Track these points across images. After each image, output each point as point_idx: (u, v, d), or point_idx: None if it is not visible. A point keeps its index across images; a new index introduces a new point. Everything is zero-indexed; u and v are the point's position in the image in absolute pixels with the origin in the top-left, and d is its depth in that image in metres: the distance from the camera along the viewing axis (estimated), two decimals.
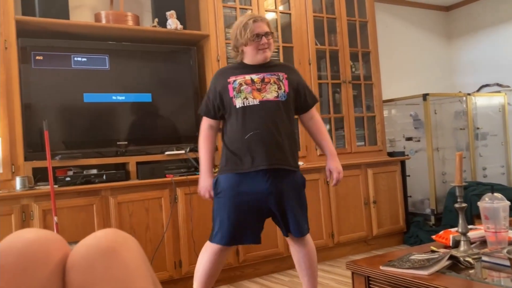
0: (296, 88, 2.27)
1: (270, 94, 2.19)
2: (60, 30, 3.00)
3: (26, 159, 2.74)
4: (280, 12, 3.71)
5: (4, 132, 2.67)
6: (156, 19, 3.27)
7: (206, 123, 2.29)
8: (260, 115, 2.16)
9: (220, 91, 2.21)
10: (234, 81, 2.21)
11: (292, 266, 3.36)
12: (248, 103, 2.17)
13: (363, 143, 4.03)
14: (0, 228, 2.45)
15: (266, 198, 2.15)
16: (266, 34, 2.20)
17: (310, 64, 3.75)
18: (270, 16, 3.68)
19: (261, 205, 2.17)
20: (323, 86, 3.90)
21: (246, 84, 2.20)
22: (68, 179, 2.74)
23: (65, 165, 2.84)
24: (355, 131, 3.95)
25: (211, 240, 2.22)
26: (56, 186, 2.64)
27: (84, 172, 2.85)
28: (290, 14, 3.72)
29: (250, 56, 2.24)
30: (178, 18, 3.29)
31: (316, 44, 3.82)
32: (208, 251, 2.23)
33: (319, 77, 3.83)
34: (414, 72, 5.09)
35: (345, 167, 3.66)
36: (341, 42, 3.93)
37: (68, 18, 2.99)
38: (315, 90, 3.75)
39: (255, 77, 2.21)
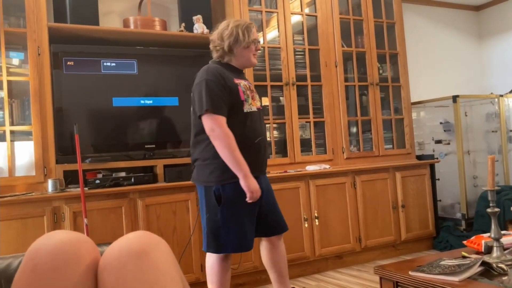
0: None
1: (258, 102, 2.28)
2: (90, 36, 3.08)
3: (57, 162, 2.82)
4: (306, 15, 3.69)
5: (36, 136, 2.75)
6: (183, 24, 3.32)
7: (223, 122, 2.06)
8: (260, 122, 2.24)
9: (232, 90, 2.12)
10: (239, 84, 2.17)
11: (319, 271, 3.34)
12: (251, 109, 2.18)
13: (391, 146, 3.97)
14: (32, 229, 2.52)
15: (260, 200, 2.16)
16: (258, 42, 2.28)
17: (336, 66, 3.72)
18: (296, 18, 3.67)
19: (257, 208, 2.20)
20: (350, 88, 3.87)
21: (248, 89, 2.21)
22: (97, 181, 2.80)
23: (95, 168, 2.91)
24: (383, 134, 3.90)
25: (219, 251, 2.13)
26: (86, 188, 2.70)
27: (113, 175, 2.91)
28: (316, 16, 3.70)
29: (243, 59, 2.22)
30: (204, 22, 3.32)
31: (343, 46, 3.79)
32: (219, 262, 2.16)
33: (346, 80, 3.80)
34: (444, 73, 4.98)
35: (373, 170, 3.63)
36: (368, 43, 3.88)
37: (98, 24, 3.07)
38: (341, 92, 3.72)
39: (244, 83, 2.22)
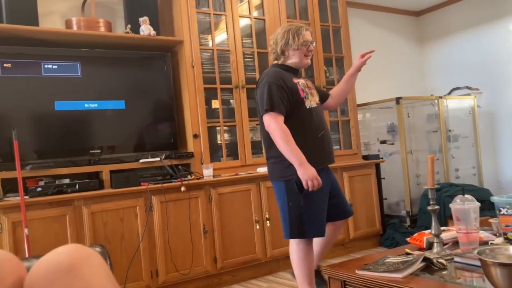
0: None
1: (317, 97, 2.47)
2: (30, 37, 2.93)
3: None
4: (254, 18, 3.71)
5: None
6: (129, 26, 3.24)
7: (279, 118, 2.23)
8: (318, 116, 2.39)
9: (291, 89, 2.30)
10: (298, 82, 2.37)
11: (271, 272, 3.36)
12: (311, 105, 2.37)
13: (338, 147, 4.07)
14: None
15: (329, 188, 2.39)
16: (311, 42, 2.41)
17: None
18: (244, 22, 3.68)
19: (327, 196, 2.39)
20: None
21: (305, 87, 2.39)
22: (39, 189, 2.67)
23: (37, 175, 2.77)
24: (331, 135, 3.97)
25: (304, 236, 2.28)
26: (26, 197, 2.57)
27: (56, 182, 2.79)
28: (264, 20, 3.73)
29: (296, 60, 2.39)
30: (151, 24, 3.26)
31: None
32: (305, 246, 2.31)
33: None
34: (387, 76, 5.17)
35: None
36: (315, 47, 3.96)
37: (37, 25, 2.93)
38: None
39: (302, 81, 2.41)
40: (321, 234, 2.31)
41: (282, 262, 3.44)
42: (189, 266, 2.97)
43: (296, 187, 2.25)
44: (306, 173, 2.18)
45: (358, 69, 2.68)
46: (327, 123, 2.52)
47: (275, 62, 2.45)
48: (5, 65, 2.77)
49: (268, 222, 3.34)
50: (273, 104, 2.23)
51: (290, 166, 2.23)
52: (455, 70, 5.28)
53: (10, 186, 2.69)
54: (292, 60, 2.39)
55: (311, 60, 3.90)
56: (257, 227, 3.30)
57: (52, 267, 0.77)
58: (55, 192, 2.70)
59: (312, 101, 2.38)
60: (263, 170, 3.43)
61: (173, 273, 2.93)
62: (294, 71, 2.42)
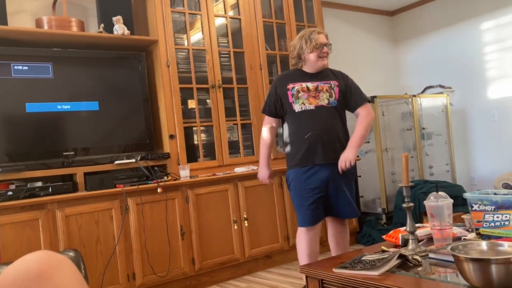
0: (344, 93, 2.60)
1: (323, 101, 2.55)
2: None
3: None
4: (230, 17, 3.70)
5: None
6: (102, 25, 3.18)
7: (267, 121, 2.68)
8: (315, 117, 2.54)
9: (281, 95, 2.59)
10: (293, 88, 2.57)
11: (249, 272, 3.36)
12: (305, 108, 2.54)
13: None
14: None
15: (324, 186, 2.52)
16: (326, 45, 2.57)
17: (261, 69, 3.77)
18: (220, 21, 3.67)
19: (316, 192, 2.52)
20: None
21: (303, 91, 2.56)
22: (10, 193, 2.59)
23: (7, 179, 2.70)
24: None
25: (300, 225, 2.57)
26: None
27: (28, 185, 2.72)
28: (240, 19, 3.72)
29: (311, 63, 2.57)
30: (125, 24, 3.21)
31: (267, 49, 3.85)
32: (300, 233, 2.59)
33: (271, 82, 3.85)
34: (362, 75, 5.22)
35: None
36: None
37: (6, 24, 2.85)
38: (267, 94, 3.76)
39: (310, 85, 2.56)
40: (305, 224, 2.53)
41: (261, 262, 3.44)
42: (166, 268, 2.94)
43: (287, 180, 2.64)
44: (260, 172, 2.72)
45: None
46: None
47: (294, 65, 2.68)
48: None
49: (246, 222, 3.34)
50: (264, 106, 2.70)
51: (288, 162, 2.61)
52: (428, 69, 5.38)
53: None
54: (308, 63, 2.59)
55: (287, 59, 3.93)
56: (235, 227, 3.29)
57: (21, 275, 0.74)
58: (27, 196, 2.63)
59: (306, 103, 2.54)
60: (240, 170, 3.43)
61: (150, 276, 2.89)
62: (309, 74, 2.60)
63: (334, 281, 1.63)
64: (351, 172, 2.61)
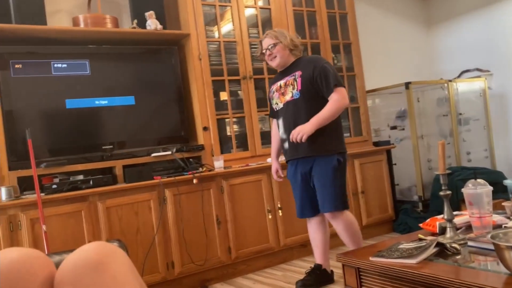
0: (310, 81, 2.54)
1: (288, 95, 2.61)
2: (38, 36, 2.96)
3: (10, 168, 2.71)
4: (260, 8, 3.70)
5: None
6: (135, 21, 3.25)
7: (272, 121, 2.86)
8: (284, 116, 2.63)
9: (269, 98, 2.79)
10: (272, 89, 2.73)
11: (285, 260, 3.39)
12: (278, 107, 2.68)
13: (348, 134, 4.06)
14: None
15: (305, 179, 2.62)
16: (269, 48, 2.63)
17: None
18: (249, 12, 3.67)
19: (302, 184, 2.65)
20: None
21: (276, 90, 2.68)
22: (54, 186, 2.71)
23: (51, 173, 2.82)
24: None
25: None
26: (42, 194, 2.62)
27: (71, 179, 2.83)
28: (269, 9, 3.72)
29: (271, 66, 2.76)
30: (157, 18, 3.27)
31: (297, 38, 3.82)
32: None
33: None
34: (396, 61, 5.13)
35: None
36: (322, 35, 3.94)
37: (45, 23, 2.95)
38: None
39: (282, 82, 2.66)
40: (297, 215, 2.73)
41: (296, 251, 3.47)
42: (203, 257, 3.01)
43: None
44: (272, 167, 2.85)
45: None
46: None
47: None
48: (16, 66, 2.81)
49: (280, 211, 3.36)
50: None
51: None
52: (465, 53, 5.21)
53: (26, 184, 2.74)
54: None
55: (319, 47, 3.91)
56: (270, 216, 3.32)
57: (80, 264, 0.80)
58: (70, 189, 2.74)
59: (279, 102, 2.67)
60: None
61: (188, 264, 2.97)
62: (282, 72, 2.71)
63: (371, 269, 1.64)
64: (325, 163, 2.53)
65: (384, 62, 4.96)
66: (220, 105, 3.50)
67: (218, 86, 3.50)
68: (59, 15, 3.30)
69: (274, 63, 2.67)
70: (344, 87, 2.55)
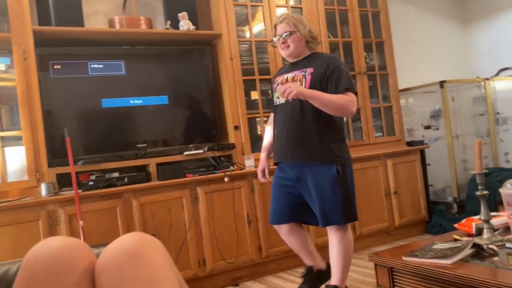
0: (320, 81, 2.28)
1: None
2: (76, 38, 3.06)
3: (49, 165, 2.81)
4: (291, 7, 3.70)
5: (27, 141, 2.74)
6: (169, 21, 3.31)
7: (271, 115, 2.61)
8: (283, 113, 2.38)
9: (272, 90, 2.54)
10: (277, 81, 2.47)
11: None
12: (279, 102, 2.41)
13: (381, 133, 4.01)
14: (28, 234, 2.52)
15: (292, 185, 2.36)
16: (284, 35, 2.36)
17: None
18: (280, 11, 3.68)
19: (288, 190, 2.38)
20: None
21: (282, 83, 2.39)
22: (91, 183, 2.80)
23: (88, 170, 2.91)
24: (373, 122, 3.93)
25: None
26: (80, 190, 2.71)
27: (106, 176, 2.91)
28: (301, 8, 3.71)
29: (282, 55, 2.48)
30: (190, 19, 3.32)
31: (329, 37, 3.81)
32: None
33: None
34: (430, 59, 5.02)
35: (364, 158, 3.67)
36: (354, 33, 3.90)
37: (83, 25, 3.05)
38: None
39: (290, 75, 2.40)
40: (271, 220, 2.44)
41: (326, 251, 3.43)
42: (234, 254, 3.04)
43: None
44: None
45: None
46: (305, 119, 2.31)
47: None
48: (55, 66, 2.91)
49: None
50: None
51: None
52: (503, 50, 5.04)
53: (64, 181, 2.83)
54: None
55: (351, 45, 3.87)
56: None
57: (119, 253, 0.83)
58: (106, 186, 2.82)
59: (280, 98, 2.35)
60: None
61: (219, 262, 3.00)
62: (293, 64, 2.46)
63: (404, 269, 1.62)
64: (322, 173, 2.26)
65: (417, 61, 4.86)
66: (251, 104, 3.51)
67: (249, 86, 3.52)
68: (96, 17, 3.40)
69: (286, 53, 2.40)
70: (357, 93, 2.31)
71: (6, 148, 2.76)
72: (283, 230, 2.46)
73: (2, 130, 2.76)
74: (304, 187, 2.31)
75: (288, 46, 2.37)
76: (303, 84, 2.30)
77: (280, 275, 3.18)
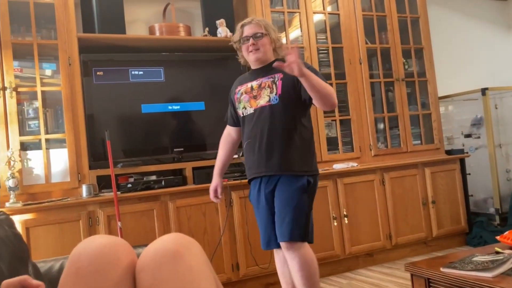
0: (293, 85, 2.12)
1: (263, 99, 2.17)
2: (118, 44, 3.16)
3: (90, 168, 2.91)
4: (329, 13, 3.69)
5: (70, 144, 2.85)
6: (207, 28, 3.37)
7: (226, 130, 2.49)
8: (255, 123, 2.18)
9: (232, 101, 2.37)
10: (239, 91, 2.30)
11: (349, 269, 3.34)
12: (246, 113, 2.23)
13: (419, 141, 3.93)
14: (69, 233, 2.61)
15: (267, 202, 2.19)
16: (254, 36, 2.18)
17: (361, 63, 3.70)
18: (318, 17, 3.68)
19: (265, 209, 2.20)
20: (376, 85, 3.84)
21: (246, 93, 2.25)
22: (129, 185, 2.88)
23: (127, 173, 2.99)
24: (411, 129, 3.85)
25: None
26: (119, 192, 2.78)
27: (144, 179, 2.98)
28: (338, 14, 3.70)
29: (247, 59, 2.28)
30: (227, 26, 3.37)
31: (367, 43, 3.77)
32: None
33: (371, 76, 3.78)
34: (471, 66, 4.88)
35: (401, 166, 3.60)
36: (392, 39, 3.85)
37: (124, 32, 3.15)
38: (367, 89, 3.70)
39: (254, 83, 2.23)
40: (262, 246, 2.26)
41: (361, 259, 3.40)
42: (268, 260, 3.04)
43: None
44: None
45: None
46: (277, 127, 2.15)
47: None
48: (98, 73, 3.02)
49: (346, 219, 3.31)
50: (226, 114, 2.47)
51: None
52: None
53: (104, 183, 2.92)
54: (247, 60, 2.28)
55: (389, 52, 3.82)
56: (335, 223, 3.28)
57: (159, 253, 0.86)
58: (144, 188, 2.89)
59: (248, 107, 2.20)
60: (339, 166, 3.41)
61: (253, 267, 3.01)
62: (256, 71, 2.26)
63: (441, 281, 1.57)
64: (291, 183, 2.11)
65: (458, 67, 4.74)
66: None
67: None
68: (137, 24, 3.50)
69: (254, 56, 2.19)
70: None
71: (50, 150, 2.88)
72: (281, 256, 2.24)
73: (47, 133, 2.88)
74: (275, 199, 2.15)
75: (258, 49, 2.18)
76: (275, 90, 2.14)
77: None
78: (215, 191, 2.38)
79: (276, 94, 2.14)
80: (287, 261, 2.15)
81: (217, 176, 2.40)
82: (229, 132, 2.45)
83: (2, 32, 2.75)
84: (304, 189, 2.11)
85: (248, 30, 2.21)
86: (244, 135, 2.27)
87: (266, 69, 2.22)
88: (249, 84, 2.25)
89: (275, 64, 1.97)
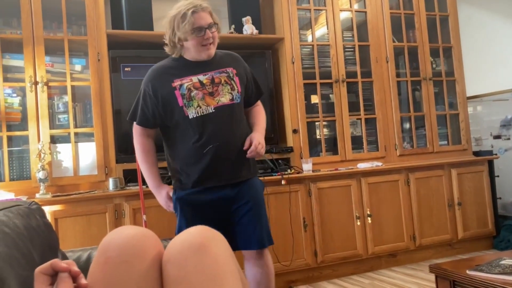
0: (246, 83, 2.02)
1: (224, 97, 1.92)
2: (145, 41, 3.21)
3: (117, 162, 2.96)
4: (356, 11, 3.66)
5: (98, 138, 2.92)
6: (233, 26, 3.38)
7: (140, 133, 2.03)
8: (216, 124, 1.90)
9: (165, 98, 1.91)
10: (181, 86, 1.91)
11: (372, 269, 3.31)
12: (203, 112, 1.89)
13: (446, 142, 3.86)
14: (96, 225, 2.68)
15: (224, 209, 1.98)
16: (209, 27, 1.89)
17: (387, 62, 3.66)
18: (344, 15, 3.65)
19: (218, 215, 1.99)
20: (402, 83, 3.79)
21: (196, 88, 1.90)
22: None
23: None
24: (437, 129, 3.79)
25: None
26: (144, 186, 2.83)
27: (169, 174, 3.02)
28: (365, 12, 3.66)
29: (192, 53, 1.94)
30: (253, 23, 3.38)
31: (394, 41, 3.73)
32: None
33: (398, 75, 3.73)
34: (502, 65, 4.75)
35: (427, 167, 3.54)
36: (420, 38, 3.79)
37: (152, 29, 3.19)
38: (393, 88, 3.66)
39: (203, 78, 1.92)
40: None
41: (384, 260, 3.37)
42: (290, 257, 3.04)
43: (178, 207, 2.01)
44: (159, 200, 2.10)
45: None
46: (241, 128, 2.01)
47: (171, 55, 2.03)
48: (125, 69, 3.07)
49: (369, 218, 3.29)
50: (134, 113, 2.00)
51: (175, 182, 2.03)
52: None
53: (130, 177, 2.98)
54: (188, 52, 1.95)
55: (416, 50, 3.76)
56: (358, 223, 3.26)
57: (186, 245, 0.87)
58: (168, 183, 2.92)
59: (203, 105, 1.88)
60: (364, 165, 3.38)
61: (274, 264, 2.98)
62: (196, 63, 1.95)
63: (467, 284, 1.55)
64: (258, 187, 2.00)
65: (488, 67, 4.63)
66: (310, 108, 3.51)
67: (309, 89, 3.52)
68: (165, 21, 3.53)
69: (210, 51, 1.93)
70: None
71: (79, 144, 2.95)
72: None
73: (76, 127, 2.95)
74: (241, 204, 1.94)
75: (212, 43, 1.93)
76: (236, 87, 1.94)
77: (335, 282, 3.14)
78: (170, 197, 2.08)
79: (238, 92, 1.95)
80: (251, 269, 1.99)
81: (163, 185, 2.12)
82: (148, 135, 2.03)
83: (35, 28, 2.83)
84: (262, 192, 2.04)
85: (201, 20, 1.88)
86: (189, 138, 1.92)
87: (211, 63, 1.96)
88: (193, 78, 1.91)
89: (248, 155, 1.90)
